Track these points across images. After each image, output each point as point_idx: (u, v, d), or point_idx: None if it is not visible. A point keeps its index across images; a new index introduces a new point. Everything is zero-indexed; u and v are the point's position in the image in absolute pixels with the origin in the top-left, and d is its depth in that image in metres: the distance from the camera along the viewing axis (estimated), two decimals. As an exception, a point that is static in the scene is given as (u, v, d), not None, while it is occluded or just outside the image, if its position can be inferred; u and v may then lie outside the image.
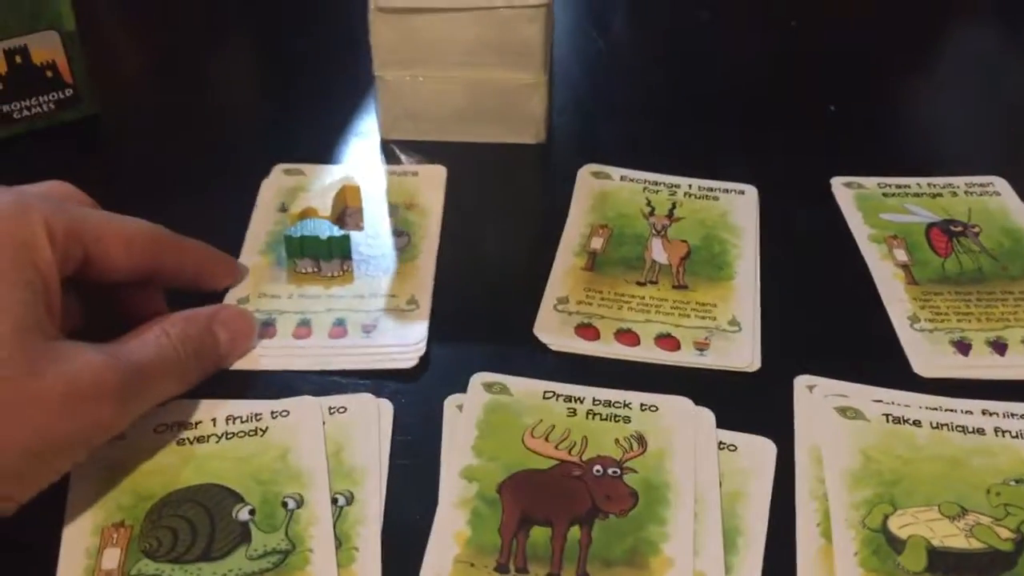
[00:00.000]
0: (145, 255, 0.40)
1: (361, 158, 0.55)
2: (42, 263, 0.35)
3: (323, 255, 0.46)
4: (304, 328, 0.43)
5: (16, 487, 0.33)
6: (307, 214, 0.48)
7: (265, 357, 0.42)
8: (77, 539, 0.34)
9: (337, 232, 0.46)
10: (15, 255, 0.34)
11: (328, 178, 0.52)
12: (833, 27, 0.69)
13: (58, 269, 0.35)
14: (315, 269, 0.46)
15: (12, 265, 0.34)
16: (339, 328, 0.43)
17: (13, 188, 0.37)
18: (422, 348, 0.43)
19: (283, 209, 0.51)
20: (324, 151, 0.55)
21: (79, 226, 0.37)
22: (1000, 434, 0.39)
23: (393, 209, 0.51)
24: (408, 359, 0.42)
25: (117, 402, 0.34)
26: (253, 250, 0.48)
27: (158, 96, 0.62)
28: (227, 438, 0.38)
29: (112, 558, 0.34)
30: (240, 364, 0.42)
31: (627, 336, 0.44)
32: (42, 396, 0.32)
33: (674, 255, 0.48)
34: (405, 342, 0.43)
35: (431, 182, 0.53)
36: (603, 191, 0.52)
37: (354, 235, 0.47)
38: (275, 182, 0.52)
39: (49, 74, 0.55)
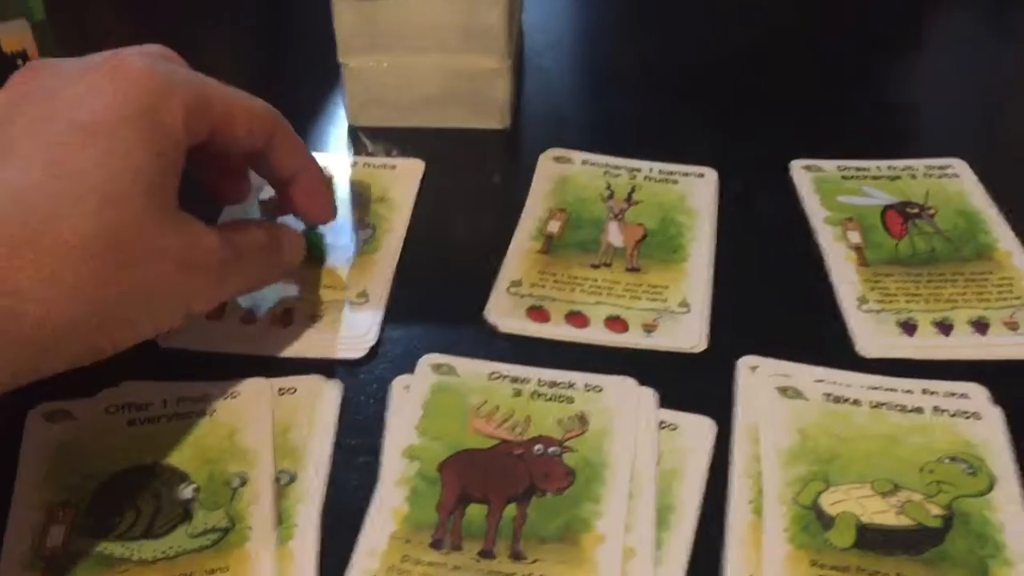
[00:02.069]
0: (262, 136, 0.40)
1: (329, 144, 0.56)
2: (173, 132, 0.35)
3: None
4: (251, 314, 0.44)
5: (118, 332, 0.34)
6: (276, 202, 0.49)
7: (213, 340, 0.43)
8: (24, 516, 0.35)
9: (312, 233, 0.46)
10: (151, 122, 0.34)
11: None
12: (802, 9, 0.69)
13: (186, 140, 0.36)
14: None
15: (146, 133, 0.34)
16: (285, 316, 0.44)
17: (142, 49, 0.37)
18: (371, 340, 0.43)
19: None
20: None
21: (208, 101, 0.37)
22: (938, 413, 0.39)
23: (363, 201, 0.51)
24: (356, 350, 0.43)
25: (217, 279, 0.37)
26: (218, 235, 0.49)
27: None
28: (177, 418, 0.39)
29: (57, 535, 0.35)
30: (188, 345, 0.42)
31: (577, 318, 0.44)
32: (161, 255, 0.34)
33: (629, 238, 0.49)
34: (351, 334, 0.43)
35: (407, 176, 0.53)
36: (563, 175, 0.53)
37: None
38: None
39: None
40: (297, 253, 0.43)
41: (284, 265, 0.42)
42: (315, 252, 0.46)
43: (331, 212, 0.45)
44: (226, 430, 0.39)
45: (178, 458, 0.38)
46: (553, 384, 0.41)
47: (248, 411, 0.39)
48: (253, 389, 0.40)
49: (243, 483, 0.37)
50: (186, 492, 0.36)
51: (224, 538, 0.35)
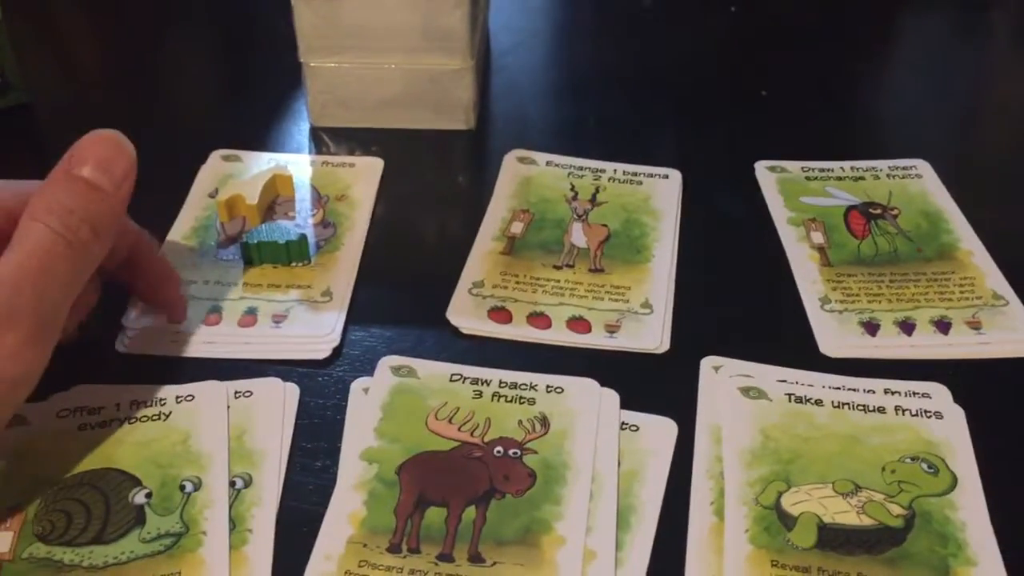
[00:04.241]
0: None
1: (292, 145, 0.55)
2: None
3: (282, 260, 0.46)
4: (215, 315, 0.43)
5: None
6: (235, 201, 0.48)
7: (174, 343, 0.42)
8: (-30, 523, 0.35)
9: (294, 235, 0.46)
10: None
11: (262, 165, 0.52)
12: (772, 12, 0.69)
13: None
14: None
15: None
16: (250, 316, 0.43)
17: None
18: (335, 339, 0.43)
19: (213, 195, 0.51)
20: (257, 138, 0.56)
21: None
22: (900, 412, 0.39)
23: (324, 200, 0.51)
24: (319, 350, 0.42)
25: (8, 330, 0.31)
26: (178, 234, 0.48)
27: (94, 85, 0.62)
28: (130, 423, 0.38)
29: (4, 542, 0.34)
30: (149, 350, 0.42)
31: (539, 319, 0.44)
32: None
33: (593, 239, 0.48)
34: (315, 333, 0.43)
35: (366, 174, 0.53)
36: (527, 176, 0.52)
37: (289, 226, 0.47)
38: (212, 167, 0.53)
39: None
40: (109, 153, 0.35)
41: (109, 192, 0.35)
42: (301, 254, 0.46)
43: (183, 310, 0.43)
44: (180, 434, 0.38)
45: (130, 463, 0.37)
46: (514, 385, 0.40)
47: (203, 415, 0.39)
48: (208, 392, 0.39)
49: (197, 488, 0.36)
50: (138, 497, 0.36)
51: (177, 543, 0.34)
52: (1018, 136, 0.59)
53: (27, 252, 0.33)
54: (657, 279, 0.46)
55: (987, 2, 0.71)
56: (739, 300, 0.45)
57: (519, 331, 0.43)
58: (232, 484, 0.36)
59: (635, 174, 0.53)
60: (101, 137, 0.36)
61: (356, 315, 0.44)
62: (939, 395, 0.40)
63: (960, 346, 0.42)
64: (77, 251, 0.34)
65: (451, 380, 0.40)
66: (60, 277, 0.33)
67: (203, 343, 0.42)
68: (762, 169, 0.53)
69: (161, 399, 0.39)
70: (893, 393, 0.40)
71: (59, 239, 0.33)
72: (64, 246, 0.33)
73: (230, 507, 0.35)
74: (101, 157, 0.35)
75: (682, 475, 0.37)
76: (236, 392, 0.40)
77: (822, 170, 0.53)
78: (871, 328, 0.43)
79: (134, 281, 0.42)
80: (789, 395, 0.40)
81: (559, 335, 0.43)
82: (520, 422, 0.39)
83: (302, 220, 0.49)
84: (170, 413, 0.39)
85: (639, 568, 0.34)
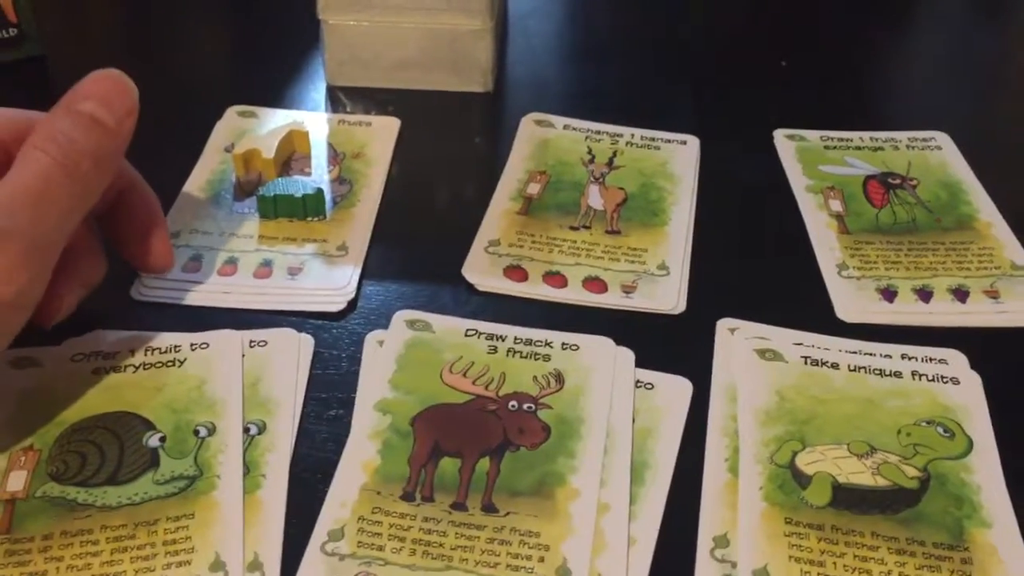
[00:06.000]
0: None
1: (308, 103, 0.55)
2: None
3: (298, 214, 0.46)
4: (230, 266, 0.43)
5: None
6: (251, 155, 0.48)
7: (189, 292, 0.42)
8: (-16, 461, 0.35)
9: (311, 189, 0.46)
10: None
11: (279, 122, 0.52)
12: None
13: None
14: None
15: None
16: (265, 268, 0.43)
17: None
18: (350, 293, 0.42)
19: (228, 149, 0.51)
20: (273, 95, 0.55)
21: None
22: (917, 377, 0.39)
23: (340, 157, 0.50)
24: (334, 303, 0.42)
25: (1, 251, 0.31)
26: (193, 186, 0.48)
27: (109, 39, 0.62)
28: (144, 368, 0.38)
29: (18, 480, 0.34)
30: (162, 298, 0.42)
31: (555, 278, 0.44)
32: None
33: (610, 201, 0.48)
34: (330, 286, 0.42)
35: (383, 133, 0.52)
36: (544, 139, 0.52)
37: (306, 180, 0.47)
38: (228, 123, 0.52)
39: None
40: (112, 88, 0.35)
41: (111, 128, 0.35)
42: (317, 208, 0.46)
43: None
44: (195, 381, 0.38)
45: (144, 407, 0.37)
46: (529, 342, 0.40)
47: (217, 362, 0.39)
48: (223, 340, 0.39)
49: (211, 433, 0.36)
50: (152, 440, 0.35)
51: (191, 486, 0.34)
52: (1038, 111, 0.59)
53: (24, 177, 0.33)
54: (674, 242, 0.46)
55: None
56: (756, 265, 0.45)
57: (535, 289, 0.43)
58: (246, 430, 0.36)
59: (653, 139, 0.52)
60: (104, 75, 0.36)
61: (371, 270, 0.44)
62: (956, 361, 0.40)
63: (977, 314, 0.42)
64: (76, 181, 0.34)
65: (466, 335, 0.40)
66: (58, 204, 0.33)
67: (218, 292, 0.42)
68: (781, 137, 0.53)
69: (176, 346, 0.39)
70: (910, 358, 0.40)
71: (58, 167, 0.33)
72: (63, 174, 0.33)
73: (244, 452, 0.35)
74: (104, 94, 0.35)
75: (697, 433, 0.37)
76: (251, 341, 0.40)
77: (841, 139, 0.52)
78: (888, 295, 0.43)
79: (122, 225, 0.40)
80: (805, 358, 0.40)
81: (575, 294, 0.43)
82: (535, 378, 0.39)
83: (318, 176, 0.49)
84: (185, 360, 0.39)
85: (653, 521, 0.34)
